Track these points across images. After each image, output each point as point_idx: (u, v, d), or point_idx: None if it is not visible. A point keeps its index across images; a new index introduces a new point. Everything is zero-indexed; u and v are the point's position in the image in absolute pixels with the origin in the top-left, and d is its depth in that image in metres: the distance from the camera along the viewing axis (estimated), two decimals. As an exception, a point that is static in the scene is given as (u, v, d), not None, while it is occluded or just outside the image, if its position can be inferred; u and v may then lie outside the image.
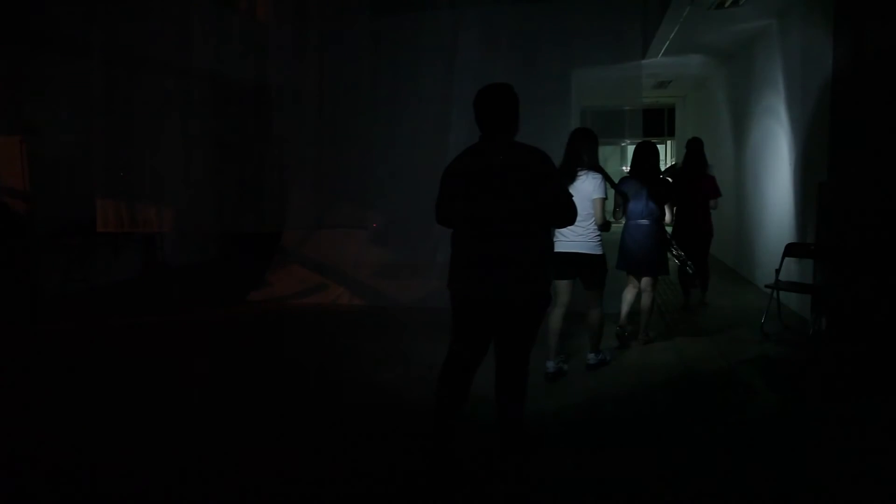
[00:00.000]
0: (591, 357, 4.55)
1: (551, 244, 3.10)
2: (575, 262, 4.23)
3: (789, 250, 5.60)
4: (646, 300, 5.05)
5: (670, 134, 13.32)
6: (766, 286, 5.70)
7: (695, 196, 6.12)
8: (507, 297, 2.80)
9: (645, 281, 5.04)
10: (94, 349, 5.44)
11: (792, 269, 5.91)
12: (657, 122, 13.53)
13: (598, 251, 4.26)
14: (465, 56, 6.98)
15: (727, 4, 6.08)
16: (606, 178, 4.32)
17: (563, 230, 4.15)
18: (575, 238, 4.20)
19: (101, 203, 7.07)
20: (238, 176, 7.50)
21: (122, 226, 7.19)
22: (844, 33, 5.13)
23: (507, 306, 2.82)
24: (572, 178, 4.23)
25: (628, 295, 5.14)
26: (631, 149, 6.05)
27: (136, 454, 3.32)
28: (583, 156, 4.26)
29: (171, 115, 7.34)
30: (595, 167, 4.29)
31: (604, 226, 4.26)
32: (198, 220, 7.61)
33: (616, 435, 3.47)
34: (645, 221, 4.83)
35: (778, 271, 5.54)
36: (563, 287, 4.34)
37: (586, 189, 4.19)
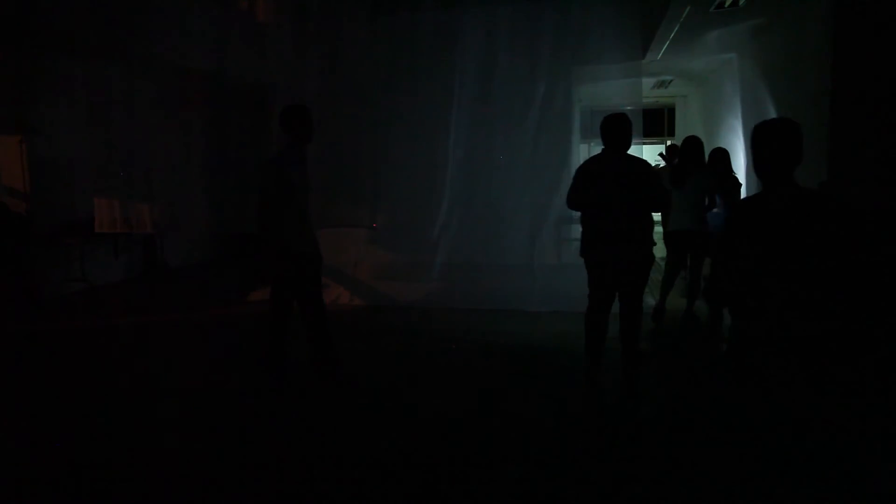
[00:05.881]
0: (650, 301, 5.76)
1: (653, 223, 4.12)
2: (688, 236, 5.49)
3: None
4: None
5: (670, 134, 13.30)
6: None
7: None
8: (624, 259, 3.97)
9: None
10: (94, 349, 5.44)
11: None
12: (657, 122, 13.51)
13: (705, 229, 5.51)
14: (465, 56, 6.98)
15: (727, 4, 6.08)
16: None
17: (681, 214, 5.48)
18: (690, 219, 5.46)
19: (99, 203, 7.07)
20: (238, 176, 7.49)
21: (122, 226, 7.20)
22: (845, 32, 5.13)
23: (624, 266, 3.99)
24: (689, 175, 5.45)
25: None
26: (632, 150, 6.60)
27: (135, 454, 3.32)
28: (696, 159, 5.53)
29: (170, 115, 7.34)
30: (704, 167, 5.60)
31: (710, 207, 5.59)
32: (197, 220, 7.61)
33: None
34: (719, 210, 5.86)
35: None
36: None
37: (702, 185, 5.43)
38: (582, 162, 4.27)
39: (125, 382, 4.53)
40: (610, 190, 3.97)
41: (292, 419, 3.80)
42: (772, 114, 6.96)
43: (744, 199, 3.10)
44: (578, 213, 4.28)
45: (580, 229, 7.05)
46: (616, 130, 4.07)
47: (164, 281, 8.72)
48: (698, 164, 5.56)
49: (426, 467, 3.13)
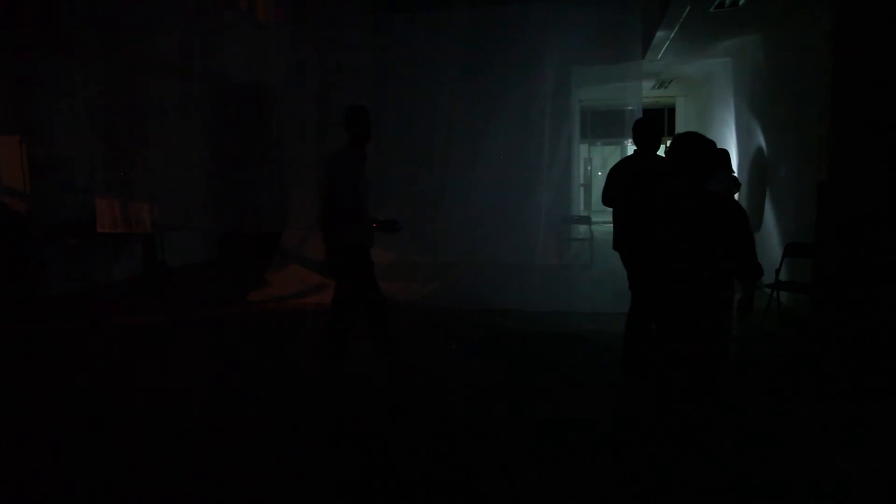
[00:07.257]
0: None
1: None
2: None
3: (789, 250, 5.60)
4: None
5: (670, 134, 13.33)
6: (766, 286, 5.70)
7: None
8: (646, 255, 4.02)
9: None
10: (93, 349, 5.44)
11: (792, 269, 5.92)
12: (657, 122, 13.54)
13: None
14: (466, 55, 6.98)
15: (727, 4, 6.08)
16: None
17: None
18: None
19: (100, 203, 7.07)
20: (238, 176, 7.50)
21: (122, 226, 7.20)
22: (845, 33, 5.14)
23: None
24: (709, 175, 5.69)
25: None
26: (632, 150, 6.77)
27: (135, 454, 3.32)
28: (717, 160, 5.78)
29: (170, 115, 7.34)
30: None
31: None
32: (197, 220, 7.61)
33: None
34: None
35: (778, 271, 5.54)
36: None
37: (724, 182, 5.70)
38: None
39: (125, 382, 4.53)
40: (636, 189, 4.17)
41: (294, 419, 3.80)
42: (770, 114, 6.97)
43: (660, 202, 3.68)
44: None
45: (580, 229, 7.23)
46: (641, 132, 4.34)
47: (164, 281, 8.71)
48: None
49: (426, 467, 3.13)
